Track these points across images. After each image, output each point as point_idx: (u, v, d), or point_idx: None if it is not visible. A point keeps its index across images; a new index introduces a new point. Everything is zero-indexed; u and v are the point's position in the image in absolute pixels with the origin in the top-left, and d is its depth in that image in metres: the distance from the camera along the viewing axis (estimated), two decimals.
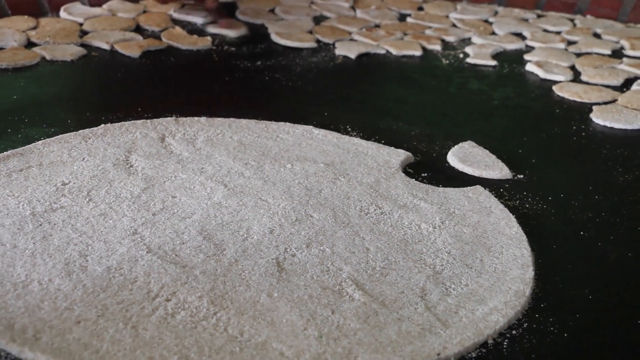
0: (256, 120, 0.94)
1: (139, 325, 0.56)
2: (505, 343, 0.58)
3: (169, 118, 0.92)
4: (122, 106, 0.96)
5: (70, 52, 1.12)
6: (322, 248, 0.68)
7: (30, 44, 1.15)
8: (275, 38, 1.28)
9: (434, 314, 0.60)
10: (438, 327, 0.59)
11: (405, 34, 1.35)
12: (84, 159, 0.80)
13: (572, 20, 1.48)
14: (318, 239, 0.69)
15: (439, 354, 0.55)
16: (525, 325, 0.60)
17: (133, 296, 0.59)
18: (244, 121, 0.94)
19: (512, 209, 0.78)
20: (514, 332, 0.59)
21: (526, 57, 1.26)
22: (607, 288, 0.67)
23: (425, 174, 0.85)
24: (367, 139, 0.92)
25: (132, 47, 1.16)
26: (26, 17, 1.23)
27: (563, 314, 0.62)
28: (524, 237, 0.72)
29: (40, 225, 0.67)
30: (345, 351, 0.55)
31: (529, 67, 1.21)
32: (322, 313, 0.59)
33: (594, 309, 0.63)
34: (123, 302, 0.58)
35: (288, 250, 0.67)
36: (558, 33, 1.40)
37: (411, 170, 0.86)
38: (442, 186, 0.82)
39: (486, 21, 1.45)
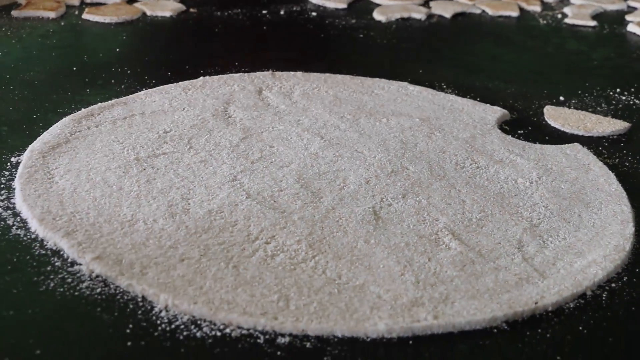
0: (351, 76, 0.95)
1: (239, 265, 0.57)
2: (604, 295, 0.57)
3: (265, 72, 0.93)
4: (219, 60, 0.98)
5: (170, 7, 1.14)
6: (418, 199, 0.68)
7: (131, 0, 1.18)
8: None
9: (531, 264, 0.60)
10: (535, 277, 0.58)
11: None
12: (184, 109, 0.82)
13: None
14: (414, 190, 0.70)
15: (536, 303, 0.55)
16: (625, 279, 0.59)
17: (234, 238, 0.60)
18: (339, 76, 0.94)
19: (611, 167, 0.76)
20: (613, 285, 0.58)
21: (628, 17, 1.22)
22: None
23: (522, 132, 0.84)
24: (463, 96, 0.91)
25: None
26: None
27: None
28: (624, 194, 0.71)
29: (144, 169, 0.70)
30: (442, 297, 0.55)
31: (631, 28, 1.18)
32: (419, 260, 0.59)
33: None
34: (224, 243, 0.60)
35: (384, 199, 0.68)
36: None
37: (507, 127, 0.85)
38: (539, 143, 0.81)
39: None
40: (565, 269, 0.60)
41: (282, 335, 0.51)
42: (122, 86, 0.88)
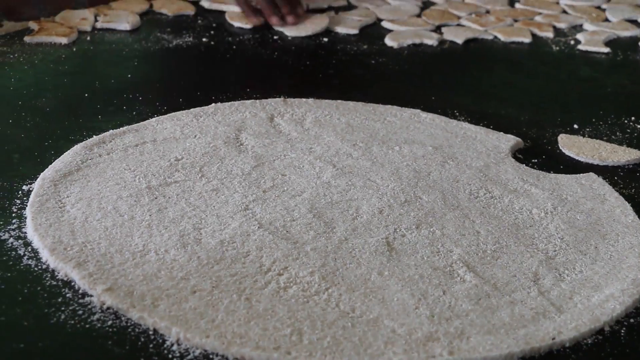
0: (363, 103, 0.94)
1: (252, 297, 0.57)
2: (622, 331, 0.56)
3: (277, 99, 0.93)
4: (231, 86, 0.98)
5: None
6: (432, 229, 0.68)
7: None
8: (386, 24, 1.27)
9: (547, 298, 0.59)
10: (552, 312, 0.57)
11: (516, 20, 1.32)
12: (195, 136, 0.82)
13: None
14: (427, 220, 0.69)
15: (554, 339, 0.54)
16: None
17: (246, 269, 0.60)
18: (351, 103, 0.94)
19: (627, 197, 0.75)
20: (631, 320, 0.58)
21: None
22: None
23: (536, 160, 0.83)
24: (475, 124, 0.91)
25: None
26: None
27: None
28: None
29: (156, 198, 0.69)
30: (457, 331, 0.54)
31: None
32: (434, 293, 0.59)
33: None
34: (236, 275, 0.59)
35: (398, 230, 0.67)
36: None
37: (521, 155, 0.85)
38: (553, 172, 0.80)
39: (599, 7, 1.40)
40: (582, 303, 0.59)
41: None
42: (134, 112, 0.88)
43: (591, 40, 1.22)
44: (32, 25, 1.11)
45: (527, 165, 0.82)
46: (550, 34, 1.26)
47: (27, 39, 1.06)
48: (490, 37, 1.24)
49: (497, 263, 0.63)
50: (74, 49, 1.06)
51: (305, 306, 0.56)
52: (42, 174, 0.71)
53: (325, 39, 1.19)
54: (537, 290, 0.60)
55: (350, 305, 0.57)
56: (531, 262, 0.64)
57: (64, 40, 1.07)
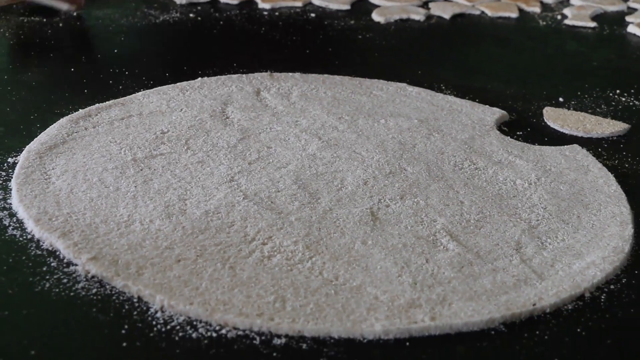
0: (350, 77, 0.94)
1: (236, 265, 0.57)
2: (603, 297, 0.57)
3: (263, 73, 0.93)
4: (218, 61, 0.98)
5: None
6: (416, 200, 0.68)
7: None
8: (374, 0, 1.26)
9: (529, 266, 0.60)
10: (534, 279, 0.58)
11: None
12: (181, 109, 0.82)
13: None
14: (412, 191, 0.69)
15: (534, 304, 0.55)
16: (623, 280, 0.59)
17: (230, 239, 0.60)
18: (337, 77, 0.94)
19: (611, 168, 0.76)
20: (612, 287, 0.58)
21: (628, 18, 1.22)
22: None
23: (521, 133, 0.84)
24: (461, 98, 0.91)
25: None
26: None
27: None
28: (623, 195, 0.71)
29: (141, 170, 0.69)
30: (439, 298, 0.55)
31: (631, 29, 1.17)
32: (416, 261, 0.59)
33: None
34: (221, 244, 0.59)
35: (382, 201, 0.67)
36: None
37: (506, 128, 0.85)
38: (538, 144, 0.81)
39: None
40: (563, 270, 0.59)
41: (279, 336, 0.51)
42: (120, 87, 0.88)
43: (578, 14, 1.23)
44: None
45: (512, 137, 0.82)
46: (537, 9, 1.26)
47: None
48: (478, 13, 1.25)
49: (480, 232, 0.64)
50: (60, 25, 1.06)
51: (288, 274, 0.57)
52: (27, 146, 0.72)
53: (313, 15, 1.19)
54: (519, 258, 0.61)
55: (333, 273, 0.57)
56: (514, 231, 0.64)
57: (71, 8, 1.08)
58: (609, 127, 0.84)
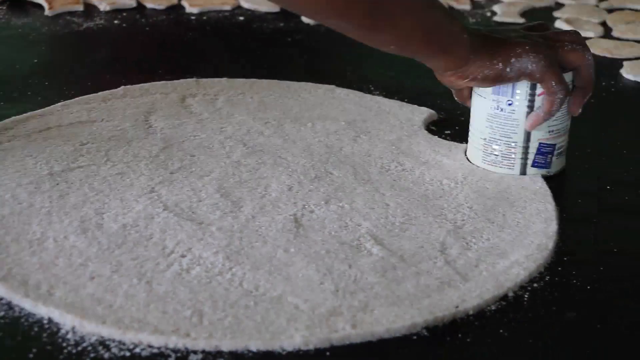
0: (278, 81, 0.93)
1: (153, 280, 0.55)
2: (526, 296, 0.57)
3: (189, 79, 0.91)
4: (142, 68, 0.96)
5: None
6: (341, 204, 0.67)
7: None
8: None
9: (453, 267, 0.59)
10: (457, 280, 0.57)
11: None
12: (102, 119, 0.80)
13: None
14: (337, 195, 0.68)
15: (457, 307, 0.54)
16: (547, 278, 0.59)
17: (148, 252, 0.59)
18: (265, 82, 0.93)
19: None
20: (535, 285, 0.58)
21: (555, 14, 1.23)
22: (633, 242, 0.65)
23: (449, 131, 0.83)
24: (390, 98, 0.90)
25: None
26: None
27: (586, 268, 0.60)
28: (549, 192, 0.70)
29: (57, 184, 0.67)
30: (361, 304, 0.54)
31: (559, 24, 1.18)
32: (339, 268, 0.58)
33: (616, 263, 0.62)
34: (138, 258, 0.58)
35: (306, 206, 0.66)
36: None
37: (434, 127, 0.84)
38: (466, 143, 0.80)
39: None
40: (487, 270, 0.59)
41: (195, 352, 0.49)
42: (39, 98, 0.85)
43: (507, 11, 1.23)
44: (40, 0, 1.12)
45: (440, 137, 0.82)
46: (467, 6, 1.26)
47: (47, 12, 1.08)
48: None
49: (405, 235, 0.63)
50: None
51: (207, 287, 0.55)
52: None
53: (242, 18, 1.17)
54: (444, 259, 0.60)
55: (254, 284, 0.56)
56: (439, 232, 0.64)
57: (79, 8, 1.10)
58: None
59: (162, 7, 1.18)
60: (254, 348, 0.50)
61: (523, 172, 0.73)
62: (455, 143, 0.80)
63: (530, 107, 0.70)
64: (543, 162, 0.73)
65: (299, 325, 0.52)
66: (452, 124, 0.85)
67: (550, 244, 0.62)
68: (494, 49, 0.69)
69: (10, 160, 0.70)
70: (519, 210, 0.67)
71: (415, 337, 0.52)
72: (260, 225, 0.63)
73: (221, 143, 0.77)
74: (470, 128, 0.76)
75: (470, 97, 0.75)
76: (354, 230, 0.63)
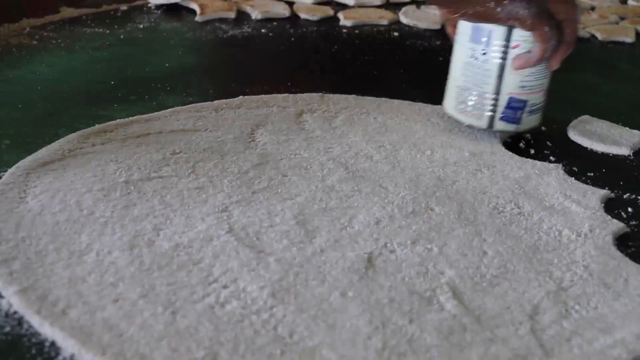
0: (410, 102, 0.85)
1: (179, 311, 0.49)
2: None
3: (314, 94, 0.85)
4: (271, 79, 0.91)
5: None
6: (429, 246, 0.58)
7: None
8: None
9: (537, 338, 0.48)
10: (537, 355, 0.47)
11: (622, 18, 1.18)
12: (207, 129, 0.75)
13: None
14: (429, 235, 0.59)
15: None
16: None
17: (188, 278, 0.52)
18: (396, 102, 0.85)
19: None
20: None
21: None
22: None
23: (592, 174, 0.72)
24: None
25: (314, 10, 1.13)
26: None
27: None
28: None
29: (129, 193, 0.63)
30: None
31: None
32: (397, 322, 0.49)
33: None
34: (174, 284, 0.52)
35: (388, 245, 0.58)
36: None
37: (575, 169, 0.73)
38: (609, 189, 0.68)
39: None
40: (580, 347, 0.48)
41: None
42: (154, 102, 0.82)
43: None
44: (194, 6, 1.12)
45: (580, 179, 0.70)
46: None
47: (198, 18, 1.07)
48: (587, 36, 1.12)
49: (493, 291, 0.53)
50: (121, 37, 1.02)
51: (236, 326, 0.48)
52: (20, 162, 0.67)
53: (396, 33, 1.09)
54: (530, 327, 0.49)
55: (290, 329, 0.48)
56: (536, 293, 0.53)
57: (231, 15, 1.09)
58: None
59: (316, 18, 1.13)
60: None
61: (491, 125, 0.74)
62: (593, 188, 0.68)
63: (503, 59, 0.71)
64: (512, 117, 0.73)
65: None
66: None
67: None
68: None
69: (92, 164, 0.67)
70: None
71: None
72: (325, 261, 0.55)
73: (321, 164, 0.70)
74: (449, 76, 0.77)
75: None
76: (433, 278, 0.54)
